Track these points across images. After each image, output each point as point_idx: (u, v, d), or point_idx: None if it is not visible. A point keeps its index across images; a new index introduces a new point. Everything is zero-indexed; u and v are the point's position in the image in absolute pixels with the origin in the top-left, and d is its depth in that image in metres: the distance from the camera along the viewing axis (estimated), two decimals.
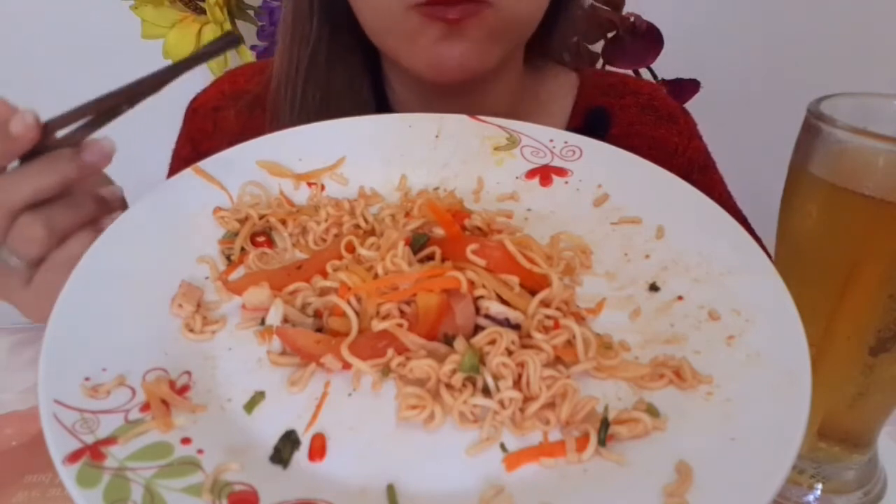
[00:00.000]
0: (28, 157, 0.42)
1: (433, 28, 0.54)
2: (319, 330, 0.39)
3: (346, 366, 0.36)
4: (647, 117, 0.72)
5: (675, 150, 0.71)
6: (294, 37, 0.65)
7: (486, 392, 0.35)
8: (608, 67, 0.96)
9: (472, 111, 0.54)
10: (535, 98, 0.72)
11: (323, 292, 0.40)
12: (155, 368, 0.36)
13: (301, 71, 0.64)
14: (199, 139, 0.72)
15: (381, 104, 0.68)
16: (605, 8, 0.91)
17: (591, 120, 0.71)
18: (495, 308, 0.38)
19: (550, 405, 0.35)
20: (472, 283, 0.38)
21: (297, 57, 0.65)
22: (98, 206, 0.44)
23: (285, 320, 0.39)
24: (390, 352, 0.37)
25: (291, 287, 0.41)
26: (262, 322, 0.39)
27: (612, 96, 0.73)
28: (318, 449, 0.33)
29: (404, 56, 0.58)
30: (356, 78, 0.66)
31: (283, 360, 0.37)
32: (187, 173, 0.47)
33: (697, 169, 0.72)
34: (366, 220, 0.46)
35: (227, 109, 0.71)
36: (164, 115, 0.75)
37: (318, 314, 0.40)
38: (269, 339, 0.38)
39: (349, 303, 0.38)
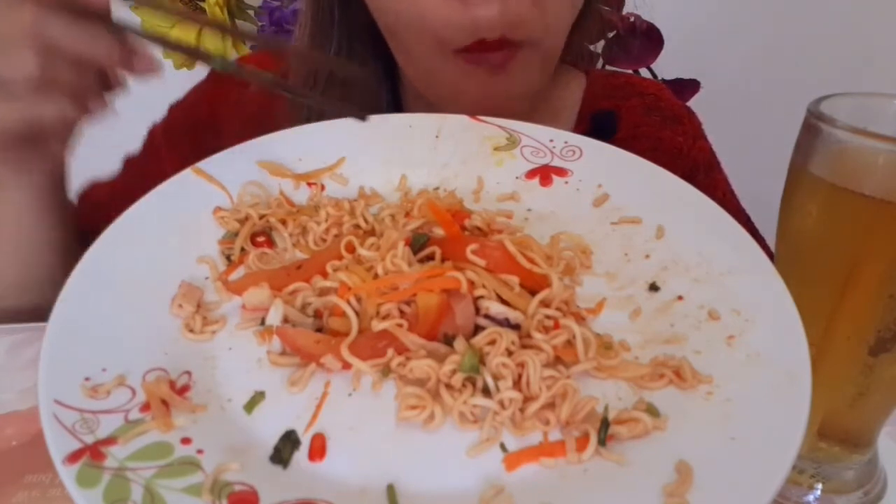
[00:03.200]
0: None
1: (477, 73, 0.54)
2: (319, 330, 0.39)
3: (346, 366, 0.36)
4: (652, 119, 0.72)
5: (679, 150, 0.71)
6: (313, 47, 0.64)
7: (486, 392, 0.35)
8: (608, 67, 0.96)
9: None
10: (547, 104, 0.72)
11: (323, 292, 0.40)
12: (155, 368, 0.36)
13: (319, 83, 0.64)
14: (217, 103, 0.71)
15: None
16: (606, 8, 0.91)
17: (597, 123, 0.71)
18: (495, 308, 0.38)
19: (550, 405, 0.35)
20: (472, 283, 0.38)
21: (315, 68, 0.64)
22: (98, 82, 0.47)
23: (285, 320, 0.39)
24: (390, 352, 0.37)
25: (291, 287, 0.41)
26: (262, 322, 0.39)
27: (617, 98, 0.72)
28: (318, 449, 0.33)
29: (448, 105, 0.58)
30: (374, 91, 0.66)
31: (283, 360, 0.37)
32: (187, 173, 0.47)
33: (702, 169, 0.72)
34: (366, 221, 0.46)
35: (252, 86, 0.70)
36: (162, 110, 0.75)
37: (318, 314, 0.40)
38: (269, 340, 0.38)
39: (349, 303, 0.38)
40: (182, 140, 0.71)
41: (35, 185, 0.55)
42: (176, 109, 0.73)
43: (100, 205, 0.69)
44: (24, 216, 0.55)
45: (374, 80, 0.66)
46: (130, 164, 0.72)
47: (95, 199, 0.71)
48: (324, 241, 0.45)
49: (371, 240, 0.43)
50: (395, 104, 0.69)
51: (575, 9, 0.57)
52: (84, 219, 0.68)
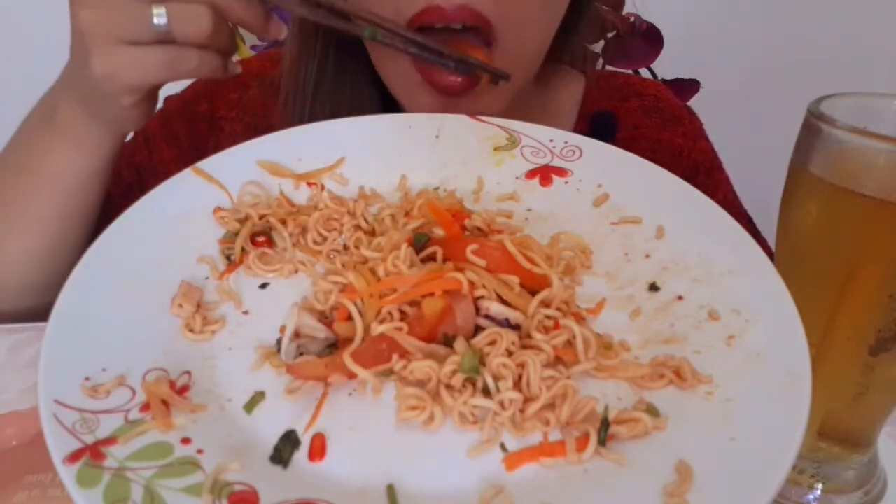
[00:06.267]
0: None
1: (430, 90, 0.56)
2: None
3: (353, 375, 0.36)
4: (651, 120, 0.71)
5: (679, 151, 0.71)
6: (302, 51, 0.65)
7: (487, 393, 0.35)
8: (608, 67, 0.96)
9: None
10: (543, 107, 0.72)
11: (325, 295, 0.40)
12: (155, 368, 0.36)
13: (309, 86, 0.65)
14: (217, 101, 0.71)
15: None
16: (606, 8, 0.91)
17: (597, 124, 0.71)
18: (495, 308, 0.38)
19: (550, 406, 0.35)
20: (472, 284, 0.38)
21: (304, 72, 0.65)
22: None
23: (297, 335, 0.38)
24: (395, 357, 0.36)
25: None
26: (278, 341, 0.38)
27: (616, 100, 0.72)
28: (318, 449, 0.33)
29: (407, 108, 0.59)
30: (364, 93, 0.66)
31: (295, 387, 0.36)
32: (187, 173, 0.47)
33: (703, 170, 0.72)
34: (366, 221, 0.46)
35: (252, 88, 0.71)
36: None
37: (325, 317, 0.40)
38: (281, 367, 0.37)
39: (355, 304, 0.38)
40: (179, 133, 0.70)
41: (108, 149, 0.56)
42: (174, 102, 0.72)
43: None
44: (78, 183, 0.56)
45: (364, 88, 0.66)
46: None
47: None
48: (323, 238, 0.45)
49: (375, 240, 0.43)
50: (392, 107, 0.69)
51: (555, 9, 0.57)
52: None
